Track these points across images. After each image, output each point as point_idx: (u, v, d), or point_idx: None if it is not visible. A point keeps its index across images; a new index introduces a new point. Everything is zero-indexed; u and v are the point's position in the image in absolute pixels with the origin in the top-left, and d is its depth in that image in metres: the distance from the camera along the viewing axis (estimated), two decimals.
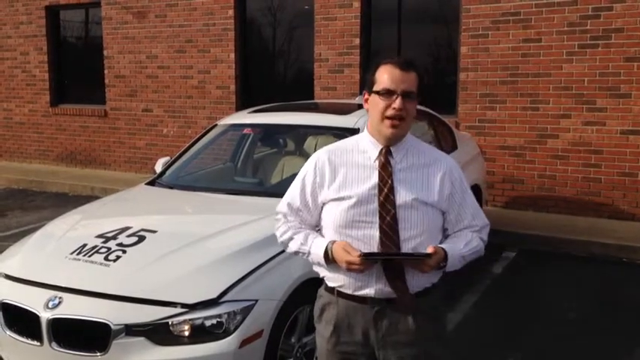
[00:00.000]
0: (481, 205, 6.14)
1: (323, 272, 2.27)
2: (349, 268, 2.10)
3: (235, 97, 9.05)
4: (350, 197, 2.13)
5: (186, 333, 2.89)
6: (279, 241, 2.36)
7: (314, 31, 8.35)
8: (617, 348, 4.12)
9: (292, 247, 2.28)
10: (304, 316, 3.35)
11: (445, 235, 2.24)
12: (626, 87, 6.73)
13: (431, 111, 5.94)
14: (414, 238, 2.12)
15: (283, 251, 3.27)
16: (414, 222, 2.12)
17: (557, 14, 6.94)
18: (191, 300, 2.93)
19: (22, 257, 3.50)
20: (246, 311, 2.96)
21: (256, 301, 3.01)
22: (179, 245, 3.32)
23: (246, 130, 5.04)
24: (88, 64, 10.43)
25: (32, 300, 3.06)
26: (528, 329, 4.39)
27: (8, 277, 3.32)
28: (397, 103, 2.08)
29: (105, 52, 10.07)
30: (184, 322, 2.89)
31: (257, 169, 5.06)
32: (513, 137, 7.32)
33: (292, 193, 2.31)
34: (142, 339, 2.87)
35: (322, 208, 2.23)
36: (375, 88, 2.12)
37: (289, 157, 4.93)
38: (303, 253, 2.25)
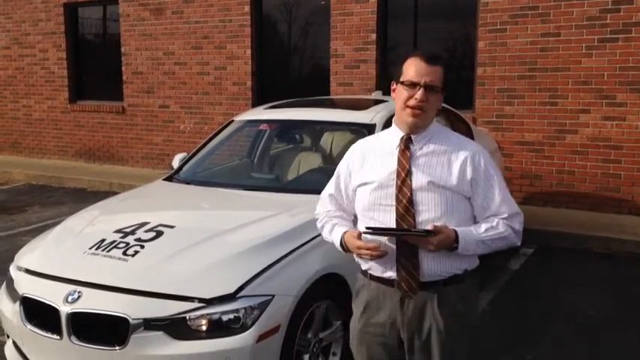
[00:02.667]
0: None
1: (355, 256, 2.35)
2: (359, 254, 2.24)
3: (251, 93, 9.07)
4: (372, 182, 2.24)
5: (204, 327, 2.90)
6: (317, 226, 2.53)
7: (330, 27, 8.34)
8: (636, 346, 4.07)
9: (324, 236, 2.46)
10: (321, 311, 3.35)
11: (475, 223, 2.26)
12: None
13: (448, 106, 5.89)
14: (431, 222, 2.15)
15: (300, 246, 3.32)
16: (430, 205, 2.17)
17: (577, 8, 6.86)
18: (208, 295, 2.94)
19: (42, 252, 3.53)
20: (263, 306, 2.96)
21: (273, 296, 3.01)
22: (196, 240, 3.33)
23: (262, 126, 5.05)
24: (105, 61, 10.51)
25: (52, 294, 3.09)
26: (546, 326, 4.36)
27: (28, 271, 3.36)
28: (419, 94, 2.16)
29: (122, 49, 10.14)
30: (202, 316, 2.90)
31: (273, 165, 5.06)
32: (531, 133, 7.26)
33: (331, 181, 2.48)
34: (160, 333, 2.88)
35: (354, 195, 2.34)
36: (402, 78, 2.22)
37: (306, 152, 4.93)
38: (332, 242, 2.40)
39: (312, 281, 3.20)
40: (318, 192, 4.03)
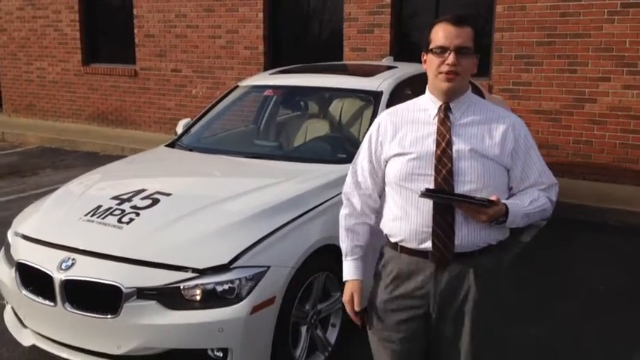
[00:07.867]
0: None
1: (385, 227, 2.27)
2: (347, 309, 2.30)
3: (264, 57, 8.92)
4: (409, 152, 2.16)
5: (198, 298, 2.87)
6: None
7: None
8: None
9: (340, 236, 2.37)
10: (319, 282, 3.30)
11: (511, 195, 2.20)
12: None
13: None
14: (472, 193, 2.08)
15: (299, 216, 3.25)
16: (472, 175, 2.09)
17: None
18: (202, 265, 2.89)
19: (38, 218, 3.51)
20: (258, 277, 2.91)
21: (269, 267, 2.96)
22: (193, 209, 3.27)
23: (267, 92, 4.93)
24: (118, 23, 10.40)
25: (46, 261, 3.06)
26: (555, 301, 4.27)
27: (25, 237, 3.33)
28: (450, 58, 2.09)
29: (135, 11, 10.00)
30: (196, 286, 2.86)
31: (279, 132, 4.96)
32: (549, 101, 7.05)
33: (361, 156, 2.32)
34: (153, 302, 2.85)
35: (386, 165, 2.24)
36: (430, 46, 2.14)
37: (313, 120, 4.82)
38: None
39: (310, 252, 3.14)
40: (323, 161, 4.01)
